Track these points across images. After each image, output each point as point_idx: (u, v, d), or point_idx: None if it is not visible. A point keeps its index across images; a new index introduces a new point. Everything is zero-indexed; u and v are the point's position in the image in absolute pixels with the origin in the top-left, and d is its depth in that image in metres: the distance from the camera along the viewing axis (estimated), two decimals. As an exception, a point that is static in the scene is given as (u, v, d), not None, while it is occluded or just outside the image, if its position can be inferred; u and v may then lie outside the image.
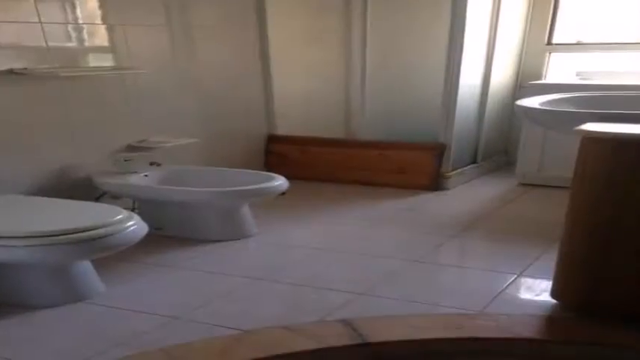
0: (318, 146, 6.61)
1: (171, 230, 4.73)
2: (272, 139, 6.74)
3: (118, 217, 3.62)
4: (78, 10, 4.91)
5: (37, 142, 4.62)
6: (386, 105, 6.97)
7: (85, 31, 4.98)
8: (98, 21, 5.05)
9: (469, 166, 6.59)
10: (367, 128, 7.00)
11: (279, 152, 6.68)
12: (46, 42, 4.64)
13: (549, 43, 6.93)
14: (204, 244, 4.59)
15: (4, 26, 4.43)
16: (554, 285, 3.46)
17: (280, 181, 4.79)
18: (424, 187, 6.11)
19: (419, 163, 6.19)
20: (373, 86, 6.98)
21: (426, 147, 6.23)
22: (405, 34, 6.85)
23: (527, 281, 3.86)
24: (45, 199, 4.24)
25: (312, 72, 6.96)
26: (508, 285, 3.78)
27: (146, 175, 4.91)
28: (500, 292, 3.66)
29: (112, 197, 4.84)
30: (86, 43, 5.05)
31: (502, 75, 6.80)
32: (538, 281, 3.83)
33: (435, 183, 6.13)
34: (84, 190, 4.81)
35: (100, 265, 3.82)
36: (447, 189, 6.14)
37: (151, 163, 5.05)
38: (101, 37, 5.15)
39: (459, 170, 6.36)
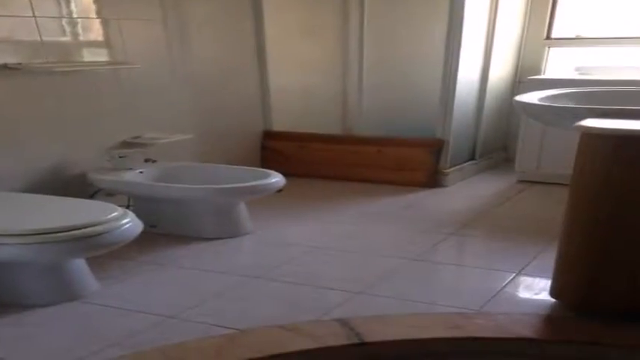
0: (315, 142, 6.61)
1: (166, 228, 4.72)
2: (268, 135, 6.74)
3: (113, 214, 3.61)
4: (72, 4, 4.89)
5: (31, 138, 4.61)
6: (383, 100, 6.97)
7: (79, 25, 4.97)
8: (93, 15, 5.04)
9: (467, 163, 6.59)
10: (364, 124, 7.00)
11: (275, 148, 6.68)
12: (40, 36, 4.63)
13: (548, 37, 6.93)
14: (199, 242, 4.58)
15: (-2, 20, 4.44)
16: (553, 283, 3.46)
17: (277, 178, 4.79)
18: (422, 184, 6.11)
19: (417, 159, 6.19)
20: (370, 81, 6.98)
21: (423, 143, 6.24)
22: (403, 28, 6.85)
23: (526, 280, 3.86)
24: (38, 196, 4.24)
25: (309, 67, 6.96)
26: (507, 284, 3.78)
27: (141, 172, 4.90)
28: (498, 291, 3.66)
29: (107, 194, 4.84)
30: (81, 38, 5.03)
31: (501, 70, 6.81)
32: (537, 280, 3.83)
33: (433, 180, 6.14)
34: (78, 187, 4.81)
35: (94, 263, 3.82)
36: (445, 186, 6.15)
37: (146, 160, 5.05)
38: (96, 32, 5.14)
39: (457, 167, 6.36)
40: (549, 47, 6.95)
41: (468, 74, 6.33)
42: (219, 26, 6.11)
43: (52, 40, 4.76)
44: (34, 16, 4.57)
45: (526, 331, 3.14)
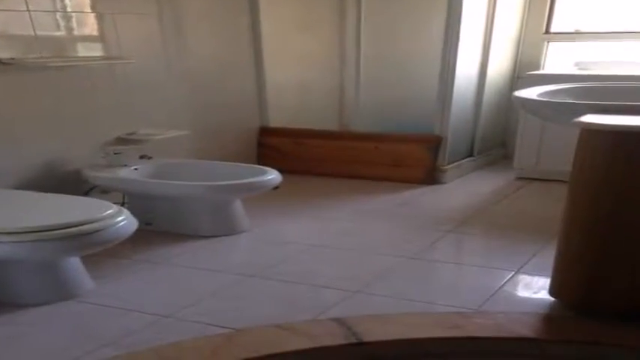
0: (312, 139, 6.60)
1: (161, 225, 4.72)
2: (264, 132, 6.73)
3: (108, 211, 3.61)
4: (66, -2, 4.90)
5: (25, 134, 4.61)
6: (380, 96, 6.97)
7: (73, 19, 4.96)
8: (87, 9, 5.04)
9: (465, 160, 6.59)
10: (362, 120, 7.00)
11: (271, 145, 6.67)
12: (34, 31, 4.62)
13: (547, 32, 6.92)
14: (195, 240, 4.58)
15: (-8, 14, 4.43)
16: (552, 282, 3.47)
17: (273, 175, 4.78)
18: (420, 180, 6.11)
19: (414, 156, 6.19)
20: (368, 77, 6.98)
21: (421, 139, 6.23)
22: (400, 23, 6.85)
23: (525, 278, 3.86)
24: (32, 193, 4.22)
25: (306, 62, 6.95)
26: (505, 282, 3.78)
27: (136, 169, 4.89)
28: (497, 290, 3.66)
29: (102, 191, 4.84)
30: (75, 32, 5.02)
31: (499, 65, 6.80)
32: (536, 278, 3.83)
33: (431, 177, 6.14)
34: (72, 183, 4.80)
35: (89, 261, 3.81)
36: (443, 183, 6.15)
37: (141, 157, 5.05)
38: (90, 26, 5.13)
39: (455, 163, 6.36)
40: (548, 42, 6.94)
41: (466, 69, 6.32)
42: (215, 21, 6.11)
43: (46, 35, 4.76)
44: (28, 10, 4.56)
45: (525, 330, 3.14)
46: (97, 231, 3.47)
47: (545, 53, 6.95)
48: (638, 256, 3.16)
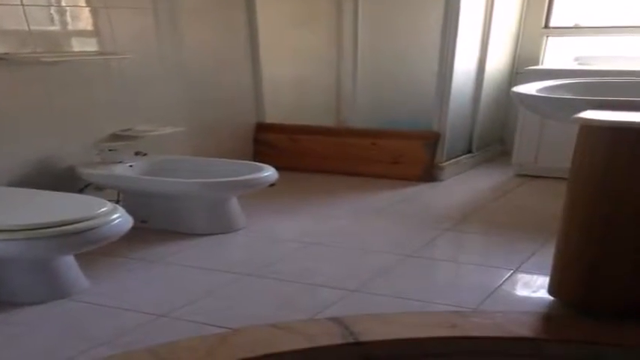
0: (309, 135, 6.60)
1: (156, 223, 4.71)
2: (261, 128, 6.73)
3: (103, 209, 3.61)
4: (61, -9, 4.89)
5: (18, 130, 4.59)
6: (378, 92, 6.97)
7: (68, 13, 4.94)
8: (81, 3, 5.02)
9: (464, 156, 6.60)
10: (359, 116, 7.00)
11: (268, 141, 6.67)
12: (28, 25, 4.61)
13: (546, 26, 6.92)
14: (190, 238, 4.58)
15: (-15, 9, 4.42)
16: (551, 281, 3.47)
17: (269, 172, 4.78)
18: (418, 177, 6.11)
19: (412, 153, 6.19)
20: (365, 72, 6.98)
21: (419, 136, 6.23)
22: (398, 18, 6.84)
23: (523, 277, 3.87)
24: (26, 190, 4.22)
25: (302, 57, 6.95)
26: (504, 281, 3.79)
27: (131, 166, 4.89)
28: (496, 289, 3.67)
29: (96, 188, 4.83)
30: (69, 27, 5.01)
31: (498, 60, 6.81)
32: (535, 277, 3.83)
33: (429, 174, 6.14)
34: (67, 181, 4.79)
35: (83, 260, 3.81)
36: (441, 180, 6.15)
37: (137, 153, 5.04)
38: (84, 21, 5.11)
39: (453, 160, 6.37)
40: (548, 37, 6.94)
41: (464, 65, 6.32)
42: (210, 16, 6.10)
43: (40, 30, 4.74)
44: (22, 5, 4.55)
45: (524, 330, 3.15)
46: (92, 229, 3.47)
47: (545, 48, 6.95)
48: (638, 255, 3.16)
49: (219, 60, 6.22)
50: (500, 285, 3.73)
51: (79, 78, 4.97)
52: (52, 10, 4.83)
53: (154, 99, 5.56)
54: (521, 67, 6.79)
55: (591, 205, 3.22)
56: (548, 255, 3.56)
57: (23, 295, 3.55)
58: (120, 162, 4.87)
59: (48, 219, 3.45)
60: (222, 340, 3.05)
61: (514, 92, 3.80)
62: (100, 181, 4.80)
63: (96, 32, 5.16)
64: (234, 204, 4.82)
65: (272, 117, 6.72)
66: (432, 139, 6.16)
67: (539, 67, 6.70)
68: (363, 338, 3.04)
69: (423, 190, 5.89)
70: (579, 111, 3.14)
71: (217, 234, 4.66)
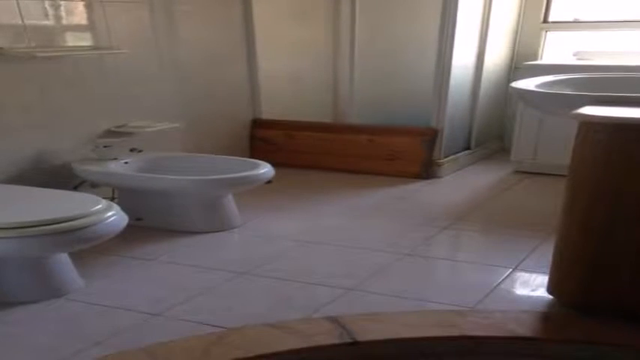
0: (305, 131, 6.60)
1: (152, 221, 4.71)
2: (257, 124, 6.73)
3: (98, 206, 3.60)
4: (55, -14, 4.88)
5: (12, 126, 4.58)
6: (375, 87, 6.95)
7: (62, 8, 4.93)
8: (77, -3, 5.04)
9: (462, 153, 6.60)
10: (356, 111, 6.98)
11: (264, 138, 6.67)
12: (22, 20, 4.60)
13: (545, 21, 6.92)
14: (186, 236, 4.58)
15: (-22, 3, 4.41)
16: (550, 280, 3.47)
17: (265, 169, 4.78)
18: (415, 174, 6.11)
19: (410, 149, 6.18)
20: (362, 67, 6.95)
21: (417, 132, 6.23)
22: (396, 12, 6.82)
23: (522, 275, 3.87)
24: (19, 187, 4.23)
25: (299, 52, 6.94)
26: (503, 280, 3.79)
27: (126, 163, 4.89)
28: (494, 288, 3.67)
29: (91, 186, 4.83)
30: (64, 21, 4.99)
31: (496, 55, 6.81)
32: (534, 276, 3.84)
33: (427, 171, 6.14)
34: (61, 178, 4.80)
35: (78, 258, 3.81)
36: (439, 177, 6.15)
37: (132, 150, 5.04)
38: (79, 15, 5.11)
39: (451, 157, 6.36)
40: (546, 31, 6.94)
41: (462, 60, 6.32)
42: (206, 10, 6.09)
43: (34, 24, 4.73)
44: (17, -2, 4.56)
45: (522, 329, 3.14)
46: (87, 227, 3.47)
47: (544, 43, 6.95)
48: (638, 253, 3.15)
49: (215, 55, 6.22)
50: (499, 284, 3.73)
51: (73, 73, 4.97)
52: (47, 4, 4.81)
53: (150, 94, 5.55)
54: (519, 62, 6.80)
55: (591, 202, 3.22)
56: (547, 253, 3.57)
57: (17, 294, 3.55)
58: (115, 159, 4.86)
59: (42, 217, 3.44)
60: (217, 340, 3.05)
61: (513, 88, 3.80)
62: (94, 178, 4.79)
63: (91, 27, 5.15)
64: (230, 201, 4.81)
65: (268, 113, 6.72)
66: (429, 136, 6.16)
67: (538, 62, 6.71)
68: (360, 338, 3.04)
69: (421, 187, 5.89)
70: (579, 107, 3.13)
71: (213, 232, 4.66)
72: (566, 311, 3.34)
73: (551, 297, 3.46)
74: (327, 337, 3.05)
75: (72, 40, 5.09)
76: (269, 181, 4.83)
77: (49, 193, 4.04)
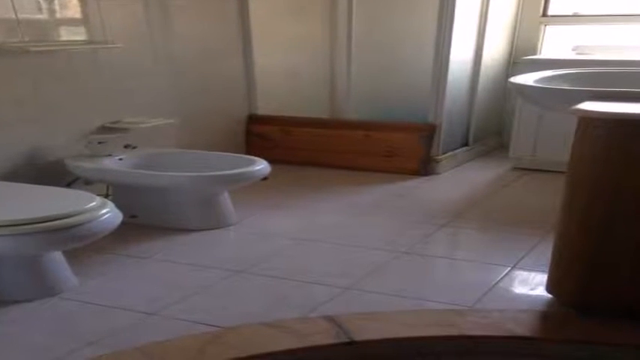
0: (302, 127, 6.60)
1: (146, 218, 4.71)
2: (253, 120, 6.72)
3: (92, 204, 3.59)
4: (49, -21, 4.88)
5: (4, 122, 4.57)
6: (372, 82, 6.94)
7: (56, 2, 4.92)
8: (70, -9, 5.03)
9: (460, 149, 6.60)
10: (353, 107, 6.98)
11: (260, 133, 6.66)
12: (15, 14, 4.59)
13: (544, 15, 6.92)
14: (181, 234, 4.57)
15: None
16: (549, 278, 3.47)
17: (261, 166, 4.78)
18: (413, 171, 6.12)
19: (407, 145, 6.18)
20: (359, 62, 6.95)
21: (414, 128, 6.23)
22: (393, 6, 6.82)
23: (521, 274, 3.87)
24: (12, 184, 4.21)
25: (296, 47, 6.93)
26: (501, 278, 3.79)
27: (121, 159, 4.88)
28: (492, 286, 3.67)
29: (85, 182, 4.82)
30: (58, 15, 5.00)
31: (495, 50, 6.81)
32: (533, 274, 3.84)
33: (425, 167, 6.14)
34: (54, 174, 4.79)
35: (72, 256, 3.81)
36: (437, 173, 6.16)
37: (126, 146, 5.02)
38: (73, 9, 5.11)
39: (449, 153, 6.37)
40: (545, 25, 6.95)
41: (460, 54, 6.33)
42: (202, 5, 6.08)
43: (28, 18, 4.72)
44: (10, -8, 4.55)
45: (521, 328, 3.15)
46: (81, 224, 3.46)
47: (542, 37, 6.96)
48: (638, 251, 3.16)
49: (210, 50, 6.21)
50: (498, 282, 3.73)
51: (67, 68, 4.96)
52: (41, -3, 4.82)
53: (144, 90, 5.55)
54: (518, 57, 6.79)
55: (590, 199, 3.22)
56: (546, 251, 3.58)
57: (10, 293, 3.54)
58: (109, 155, 4.85)
59: (35, 214, 3.44)
60: (213, 339, 3.05)
61: (511, 83, 3.80)
62: (88, 174, 4.79)
63: (85, 21, 5.14)
64: (226, 199, 4.81)
65: (264, 108, 6.71)
66: (427, 132, 6.16)
67: (537, 56, 6.70)
68: (357, 337, 3.04)
69: (419, 184, 5.89)
70: (578, 102, 3.14)
71: (208, 229, 4.66)
72: (566, 310, 3.34)
73: (550, 296, 3.46)
74: (323, 336, 3.05)
75: (66, 34, 5.09)
76: (265, 178, 4.83)
77: (42, 190, 4.04)
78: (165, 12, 5.73)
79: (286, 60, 6.89)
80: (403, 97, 6.71)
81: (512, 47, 7.04)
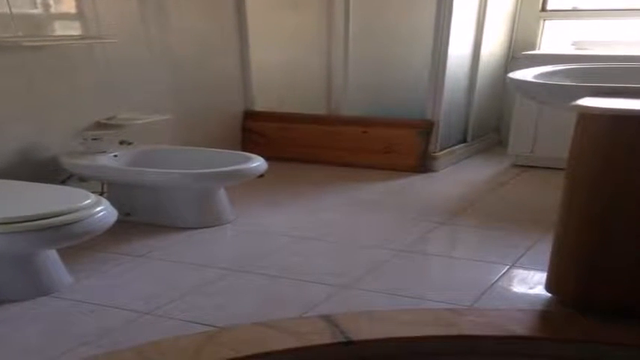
0: (299, 123, 6.60)
1: (142, 216, 4.70)
2: (249, 116, 6.72)
3: (86, 201, 3.58)
4: (43, -27, 4.86)
5: (-2, 118, 4.58)
6: (370, 78, 6.92)
7: (51, -4, 4.94)
8: (65, -15, 5.01)
9: (459, 146, 6.60)
10: (350, 102, 6.96)
11: (256, 130, 6.66)
12: (9, 8, 4.57)
13: (544, 9, 6.91)
14: (176, 232, 4.57)
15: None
16: (548, 277, 3.46)
17: (258, 162, 4.78)
18: (411, 168, 6.11)
19: (405, 142, 6.18)
20: (357, 57, 6.93)
21: (412, 124, 6.22)
22: (391, 1, 6.81)
23: (520, 273, 3.87)
24: (5, 181, 4.18)
25: (292, 41, 6.92)
26: (500, 277, 3.79)
27: (115, 156, 4.87)
28: (491, 285, 3.67)
29: (79, 180, 4.81)
30: (52, 10, 4.99)
31: (493, 45, 6.80)
32: (532, 273, 3.83)
33: (423, 164, 6.13)
34: (48, 171, 4.78)
35: (66, 255, 3.79)
36: (435, 170, 6.15)
37: (121, 142, 5.02)
38: (68, 3, 5.10)
39: (447, 150, 6.37)
40: (544, 20, 6.93)
41: (459, 49, 6.32)
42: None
43: (21, 13, 4.71)
44: (4, -13, 4.54)
45: (520, 328, 3.15)
46: (75, 222, 3.45)
47: (542, 32, 6.94)
48: (638, 250, 3.15)
49: (206, 45, 6.21)
50: (496, 281, 3.73)
51: (62, 63, 4.95)
52: (35, -9, 4.81)
53: (140, 85, 5.54)
54: (517, 52, 6.78)
55: (590, 197, 3.21)
56: (545, 249, 3.57)
57: (3, 292, 3.52)
58: (104, 152, 4.84)
59: (29, 212, 3.43)
60: (209, 339, 3.04)
61: (510, 78, 3.78)
62: (83, 171, 4.78)
63: (80, 15, 5.14)
64: (222, 196, 4.80)
65: (261, 104, 6.71)
66: (425, 128, 6.16)
67: (536, 51, 6.70)
68: (355, 337, 3.03)
69: (416, 181, 5.89)
70: (578, 98, 3.11)
71: (204, 227, 4.65)
72: (565, 310, 3.33)
73: (549, 295, 3.45)
74: (320, 336, 3.04)
75: (60, 29, 5.07)
76: (261, 175, 4.83)
77: (36, 187, 4.02)
78: (161, 6, 5.72)
79: (283, 55, 6.88)
80: (401, 93, 6.68)
81: (511, 42, 7.03)
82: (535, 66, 4.05)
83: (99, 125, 5.16)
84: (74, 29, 5.12)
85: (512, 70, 4.07)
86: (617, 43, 6.25)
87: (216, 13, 6.31)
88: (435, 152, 6.18)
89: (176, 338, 3.06)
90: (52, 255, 3.69)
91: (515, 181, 5.85)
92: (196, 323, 3.25)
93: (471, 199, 5.32)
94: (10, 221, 3.36)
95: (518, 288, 3.70)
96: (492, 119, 7.15)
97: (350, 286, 3.69)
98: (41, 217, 3.40)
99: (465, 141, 6.74)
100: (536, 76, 3.74)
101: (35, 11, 4.84)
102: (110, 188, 4.83)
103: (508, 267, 3.92)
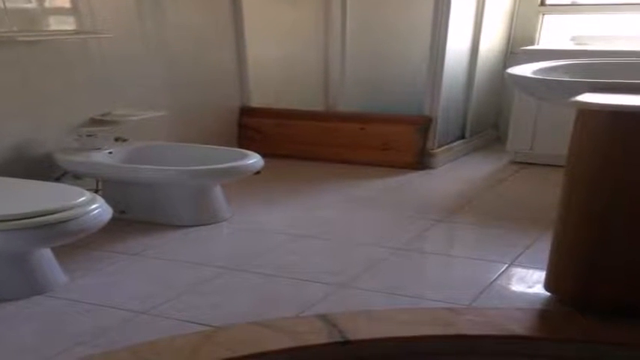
0: (296, 120, 6.60)
1: (137, 214, 4.70)
2: (245, 112, 6.72)
3: (81, 199, 3.58)
4: (37, -33, 4.86)
5: (-9, 114, 4.57)
6: (367, 74, 6.92)
7: (45, -10, 4.93)
8: (58, -21, 5.01)
9: (457, 142, 6.60)
10: (348, 98, 6.96)
11: (253, 126, 6.66)
12: (3, 2, 4.57)
13: (542, 4, 6.91)
14: (172, 230, 4.56)
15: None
16: (547, 276, 3.46)
17: (254, 159, 4.77)
18: (409, 165, 6.11)
19: (403, 138, 6.18)
20: (354, 53, 6.93)
21: (410, 120, 6.22)
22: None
23: (519, 271, 3.87)
24: (-1, 179, 4.21)
25: (289, 36, 6.91)
26: (498, 276, 3.78)
27: (110, 153, 4.86)
28: (490, 284, 3.67)
29: (74, 177, 4.81)
30: (46, 4, 4.99)
31: (492, 40, 6.79)
32: (531, 271, 3.83)
33: (420, 160, 6.13)
34: (42, 168, 4.78)
35: (61, 253, 3.79)
36: (433, 167, 6.15)
37: (116, 139, 5.00)
38: (62, -3, 5.10)
39: (446, 146, 6.37)
40: (543, 14, 6.92)
41: (457, 45, 6.31)
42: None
43: (15, 7, 4.72)
44: (-3, -19, 4.53)
45: (519, 327, 3.15)
46: (70, 220, 3.44)
47: (540, 27, 6.94)
48: (638, 248, 3.15)
49: (202, 40, 6.20)
50: (495, 280, 3.73)
51: (56, 58, 4.95)
52: (28, -14, 4.80)
53: (135, 81, 5.53)
54: (515, 47, 6.78)
55: (590, 194, 3.21)
56: (544, 248, 3.57)
57: (-3, 291, 3.54)
58: (99, 148, 4.83)
59: (23, 209, 3.42)
60: (205, 339, 3.04)
61: (508, 74, 3.78)
62: (77, 168, 4.77)
63: (74, 10, 5.13)
64: (218, 193, 4.80)
65: (257, 100, 6.70)
66: (423, 124, 6.15)
67: (535, 47, 6.69)
68: (352, 336, 3.03)
69: (414, 178, 5.89)
70: (577, 94, 3.12)
71: (200, 225, 4.64)
72: (564, 308, 3.34)
73: (548, 294, 3.45)
74: (317, 335, 3.04)
75: (55, 23, 5.08)
76: (258, 172, 4.82)
77: (30, 184, 4.02)
78: (157, 1, 5.71)
79: (280, 51, 6.88)
80: (398, 88, 6.67)
81: (509, 37, 7.03)
82: (534, 61, 4.04)
83: (94, 122, 5.15)
84: (69, 24, 5.13)
85: (510, 66, 4.07)
86: (616, 38, 6.25)
87: (213, 8, 6.31)
88: (432, 149, 6.19)
89: (172, 338, 3.06)
90: (46, 253, 3.69)
91: (513, 178, 5.85)
92: (192, 323, 3.25)
93: (469, 197, 5.32)
94: (3, 219, 3.35)
95: (516, 287, 3.70)
96: (491, 115, 7.15)
97: (347, 284, 3.69)
98: (35, 214, 3.39)
99: (463, 137, 6.74)
100: (535, 72, 3.73)
101: (29, 6, 4.84)
102: (105, 185, 4.82)
103: (507, 265, 3.92)
